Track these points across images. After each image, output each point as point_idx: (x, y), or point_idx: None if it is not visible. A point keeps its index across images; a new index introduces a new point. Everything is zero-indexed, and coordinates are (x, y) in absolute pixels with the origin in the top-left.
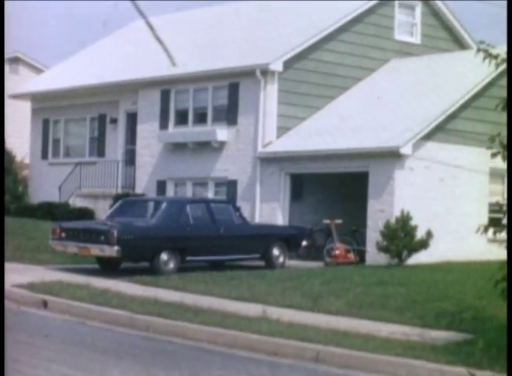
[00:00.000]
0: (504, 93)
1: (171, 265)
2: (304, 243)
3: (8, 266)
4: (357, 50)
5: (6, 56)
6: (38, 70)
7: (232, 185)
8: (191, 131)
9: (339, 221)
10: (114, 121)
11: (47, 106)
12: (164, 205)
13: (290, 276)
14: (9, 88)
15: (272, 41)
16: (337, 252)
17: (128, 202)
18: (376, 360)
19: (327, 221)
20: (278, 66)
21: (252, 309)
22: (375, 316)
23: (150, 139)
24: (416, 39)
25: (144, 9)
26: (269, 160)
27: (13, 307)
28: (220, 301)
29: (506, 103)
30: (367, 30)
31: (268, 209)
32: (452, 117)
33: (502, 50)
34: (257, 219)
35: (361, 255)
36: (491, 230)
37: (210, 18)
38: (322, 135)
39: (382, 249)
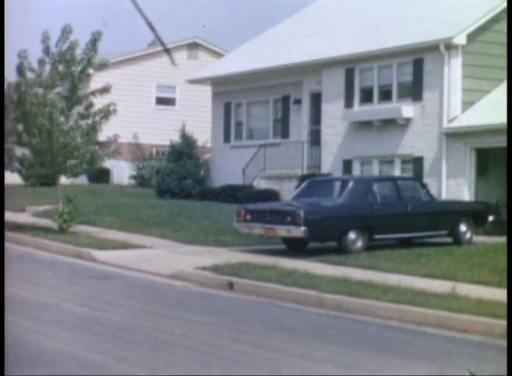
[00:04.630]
0: None
1: (359, 243)
2: (491, 218)
3: (191, 249)
4: None
5: (185, 41)
6: (217, 55)
7: (418, 162)
8: (376, 109)
9: None
10: (298, 101)
11: (228, 89)
12: (350, 184)
13: (478, 251)
14: (188, 73)
15: (453, 14)
16: None
17: (313, 182)
18: None
19: None
20: (461, 40)
21: (441, 286)
22: None
23: (335, 118)
24: None
25: None
26: (454, 136)
27: (196, 289)
28: (408, 278)
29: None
30: None
31: (454, 185)
32: None
33: None
34: (444, 195)
35: None
36: None
37: None
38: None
39: None
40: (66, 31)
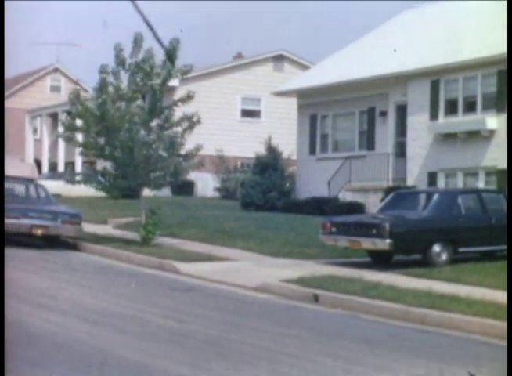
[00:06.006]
0: None
1: (444, 256)
2: None
3: (276, 261)
4: None
5: (271, 54)
6: (303, 67)
7: (502, 174)
8: (461, 121)
9: None
10: (384, 113)
11: (314, 101)
12: (435, 197)
13: None
14: (274, 85)
15: None
16: None
17: (399, 195)
18: None
19: None
20: None
21: None
22: None
23: (420, 130)
24: None
25: None
26: None
27: (280, 301)
28: (493, 292)
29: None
30: None
31: None
32: None
33: None
34: None
35: None
36: None
37: (470, 5)
38: None
39: None
40: (138, 40)
